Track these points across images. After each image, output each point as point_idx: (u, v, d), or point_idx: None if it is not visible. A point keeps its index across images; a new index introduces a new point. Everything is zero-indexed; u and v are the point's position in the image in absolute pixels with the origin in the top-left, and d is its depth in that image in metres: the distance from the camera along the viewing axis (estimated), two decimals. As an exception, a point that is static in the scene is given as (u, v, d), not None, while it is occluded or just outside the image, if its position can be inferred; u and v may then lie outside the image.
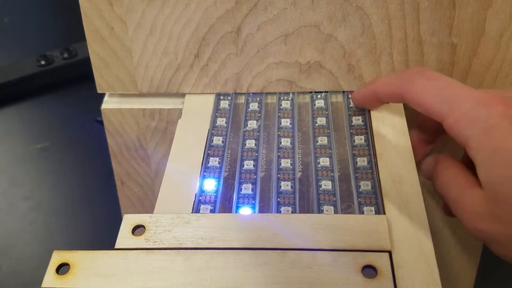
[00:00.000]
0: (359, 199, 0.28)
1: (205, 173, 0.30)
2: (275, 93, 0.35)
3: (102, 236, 0.59)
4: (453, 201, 0.25)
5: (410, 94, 0.27)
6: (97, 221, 0.62)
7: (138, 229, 0.26)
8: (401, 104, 0.33)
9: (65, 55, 0.81)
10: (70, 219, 0.63)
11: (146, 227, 0.26)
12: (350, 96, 0.34)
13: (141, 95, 0.37)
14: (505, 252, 0.24)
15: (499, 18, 0.32)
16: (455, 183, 0.25)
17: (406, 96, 0.27)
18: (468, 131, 0.24)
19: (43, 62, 0.81)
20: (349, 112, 0.33)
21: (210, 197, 0.28)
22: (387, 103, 0.32)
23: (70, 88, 0.81)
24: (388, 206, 0.27)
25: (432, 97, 0.25)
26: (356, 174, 0.29)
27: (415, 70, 0.28)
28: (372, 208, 0.27)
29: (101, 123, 0.37)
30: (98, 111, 0.37)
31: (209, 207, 0.28)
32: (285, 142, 0.32)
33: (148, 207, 0.41)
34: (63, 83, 0.81)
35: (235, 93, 0.36)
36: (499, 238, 0.23)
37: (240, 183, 0.29)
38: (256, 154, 0.31)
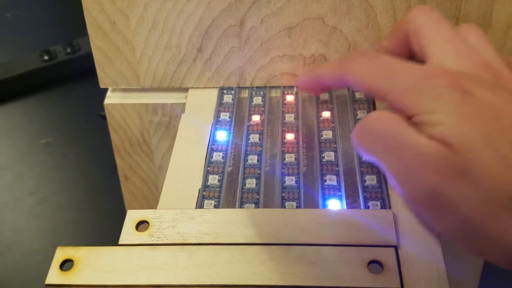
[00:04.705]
0: (365, 194, 0.27)
1: (208, 168, 0.30)
2: (279, 86, 0.35)
3: (107, 231, 0.60)
4: (400, 145, 0.21)
5: (350, 75, 0.25)
6: (102, 215, 0.63)
7: (142, 225, 0.26)
8: None
9: (68, 50, 0.81)
10: (74, 214, 0.63)
11: (150, 222, 0.26)
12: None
13: (144, 90, 0.36)
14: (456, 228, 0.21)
15: (506, 9, 0.31)
16: (404, 127, 0.22)
17: (346, 77, 0.26)
18: (413, 101, 0.22)
19: (46, 57, 0.81)
20: (354, 106, 0.33)
21: (214, 192, 0.28)
22: (331, 89, 0.32)
23: (74, 83, 0.81)
24: (394, 200, 0.27)
25: (371, 74, 0.24)
26: (362, 168, 0.29)
27: (356, 52, 0.26)
28: (378, 202, 0.27)
29: (104, 117, 0.37)
30: (101, 106, 0.37)
31: (213, 202, 0.28)
32: (289, 136, 0.31)
33: (152, 202, 0.41)
34: (67, 78, 0.81)
35: (239, 87, 0.35)
36: (460, 203, 0.20)
37: (244, 178, 0.29)
38: (260, 149, 0.31)
